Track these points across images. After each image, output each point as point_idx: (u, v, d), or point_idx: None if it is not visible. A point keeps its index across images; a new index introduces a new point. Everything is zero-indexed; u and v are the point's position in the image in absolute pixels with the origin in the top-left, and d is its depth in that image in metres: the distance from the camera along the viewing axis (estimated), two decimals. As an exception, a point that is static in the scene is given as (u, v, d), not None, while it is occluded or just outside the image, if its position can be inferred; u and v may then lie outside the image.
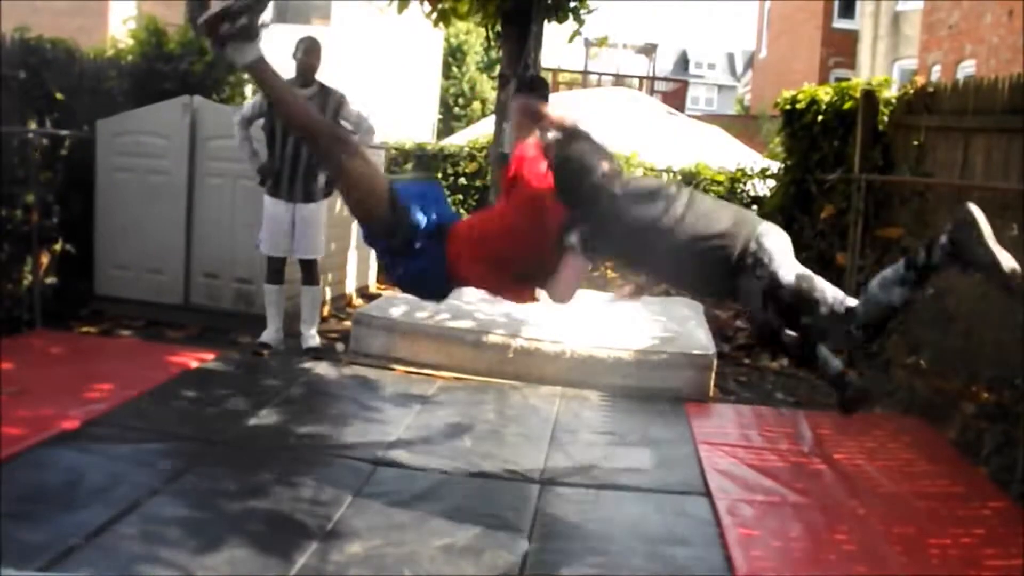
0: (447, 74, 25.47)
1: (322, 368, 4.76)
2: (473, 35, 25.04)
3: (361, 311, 5.26)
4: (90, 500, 2.92)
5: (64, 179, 5.57)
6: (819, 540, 2.97)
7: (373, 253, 6.00)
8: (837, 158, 5.92)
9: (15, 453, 3.22)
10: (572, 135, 2.92)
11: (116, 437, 3.49)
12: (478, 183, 7.70)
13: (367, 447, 3.60)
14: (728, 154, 8.96)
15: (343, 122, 4.98)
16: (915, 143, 5.08)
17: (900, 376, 4.72)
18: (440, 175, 7.74)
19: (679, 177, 7.72)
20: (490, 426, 4.00)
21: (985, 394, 3.83)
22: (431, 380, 4.65)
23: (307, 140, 3.77)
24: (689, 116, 14.57)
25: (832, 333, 2.76)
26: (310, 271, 5.02)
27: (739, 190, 7.65)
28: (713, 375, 4.72)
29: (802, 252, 6.36)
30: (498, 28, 6.58)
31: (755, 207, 7.52)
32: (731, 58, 46.86)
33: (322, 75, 4.90)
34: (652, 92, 20.96)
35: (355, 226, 5.15)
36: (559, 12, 6.39)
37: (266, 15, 3.15)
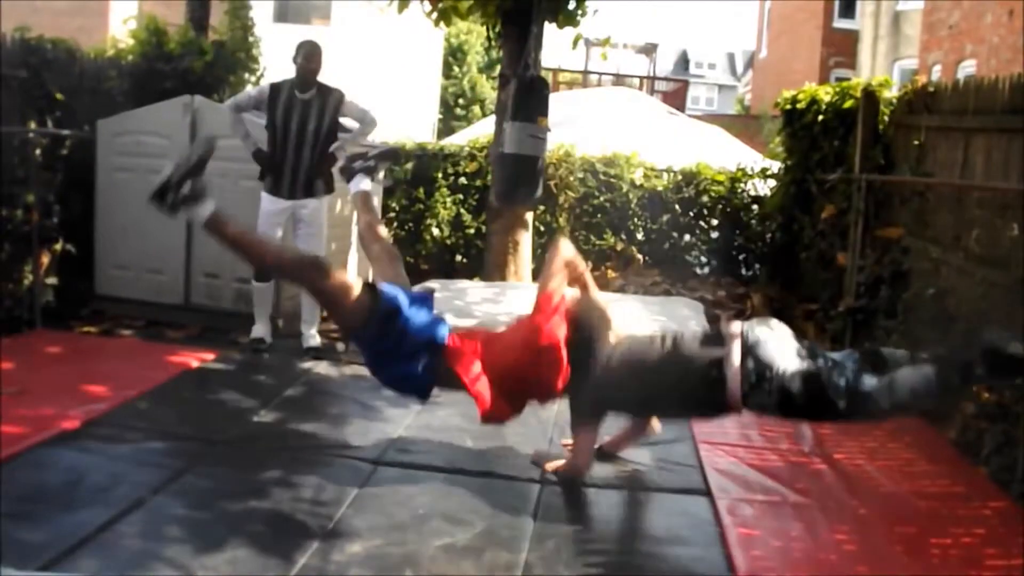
0: (447, 74, 25.50)
1: (322, 368, 4.76)
2: (473, 35, 25.08)
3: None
4: (90, 500, 2.92)
5: (64, 179, 5.57)
6: (819, 540, 2.97)
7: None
8: (837, 158, 5.92)
9: (15, 453, 3.22)
10: (591, 308, 3.40)
11: (116, 437, 3.49)
12: (478, 183, 7.69)
13: (367, 447, 3.60)
14: (728, 154, 8.95)
15: (345, 119, 4.98)
16: (915, 143, 5.07)
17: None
18: (440, 175, 7.74)
19: (679, 177, 7.72)
20: (490, 426, 3.98)
21: (985, 394, 3.82)
22: (431, 380, 4.63)
23: (283, 275, 4.16)
24: (689, 116, 14.57)
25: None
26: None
27: (739, 190, 7.64)
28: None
29: (802, 252, 6.43)
30: (498, 28, 6.59)
31: (755, 207, 7.53)
32: (731, 58, 46.89)
33: (322, 75, 4.89)
34: (652, 92, 20.97)
35: (355, 226, 5.14)
36: (559, 13, 6.40)
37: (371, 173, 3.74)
